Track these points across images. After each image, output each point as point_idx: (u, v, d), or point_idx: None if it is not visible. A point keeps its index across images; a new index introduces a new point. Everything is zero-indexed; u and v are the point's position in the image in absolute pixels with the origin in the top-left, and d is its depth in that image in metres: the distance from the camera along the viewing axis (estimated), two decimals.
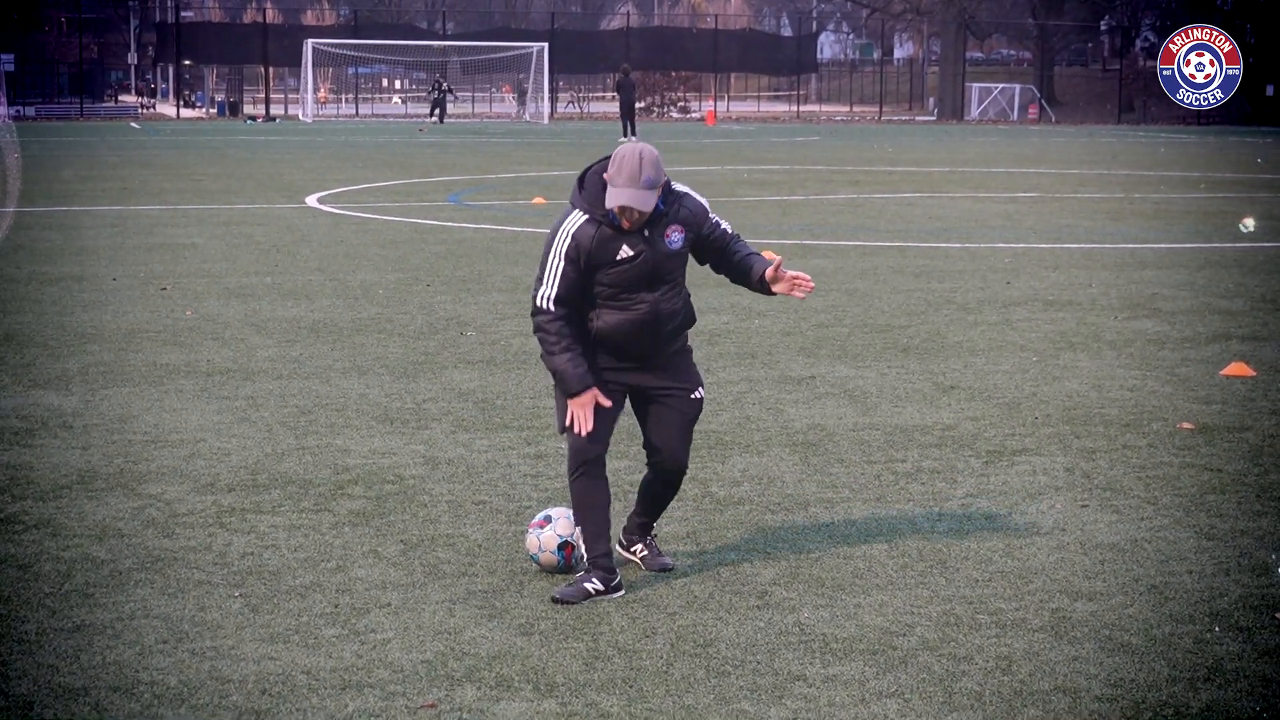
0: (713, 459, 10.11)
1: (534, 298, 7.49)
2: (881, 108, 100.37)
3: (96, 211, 27.43)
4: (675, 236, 7.55)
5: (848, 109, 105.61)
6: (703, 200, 7.75)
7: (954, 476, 9.74)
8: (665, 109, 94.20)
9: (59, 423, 10.99)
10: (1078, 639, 6.92)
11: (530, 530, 7.87)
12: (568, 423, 7.52)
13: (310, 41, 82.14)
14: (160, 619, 7.12)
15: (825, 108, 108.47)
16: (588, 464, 7.51)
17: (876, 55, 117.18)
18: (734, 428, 11.00)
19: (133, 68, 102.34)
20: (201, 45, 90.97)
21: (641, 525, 8.00)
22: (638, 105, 69.21)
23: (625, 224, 7.39)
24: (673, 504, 9.01)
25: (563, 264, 7.40)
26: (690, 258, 7.77)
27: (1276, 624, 7.11)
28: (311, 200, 30.28)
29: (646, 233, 7.45)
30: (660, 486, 7.91)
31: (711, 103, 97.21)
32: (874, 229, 25.55)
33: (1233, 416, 11.44)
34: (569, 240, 7.41)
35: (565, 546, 7.76)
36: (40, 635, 6.88)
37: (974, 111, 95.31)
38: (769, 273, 7.81)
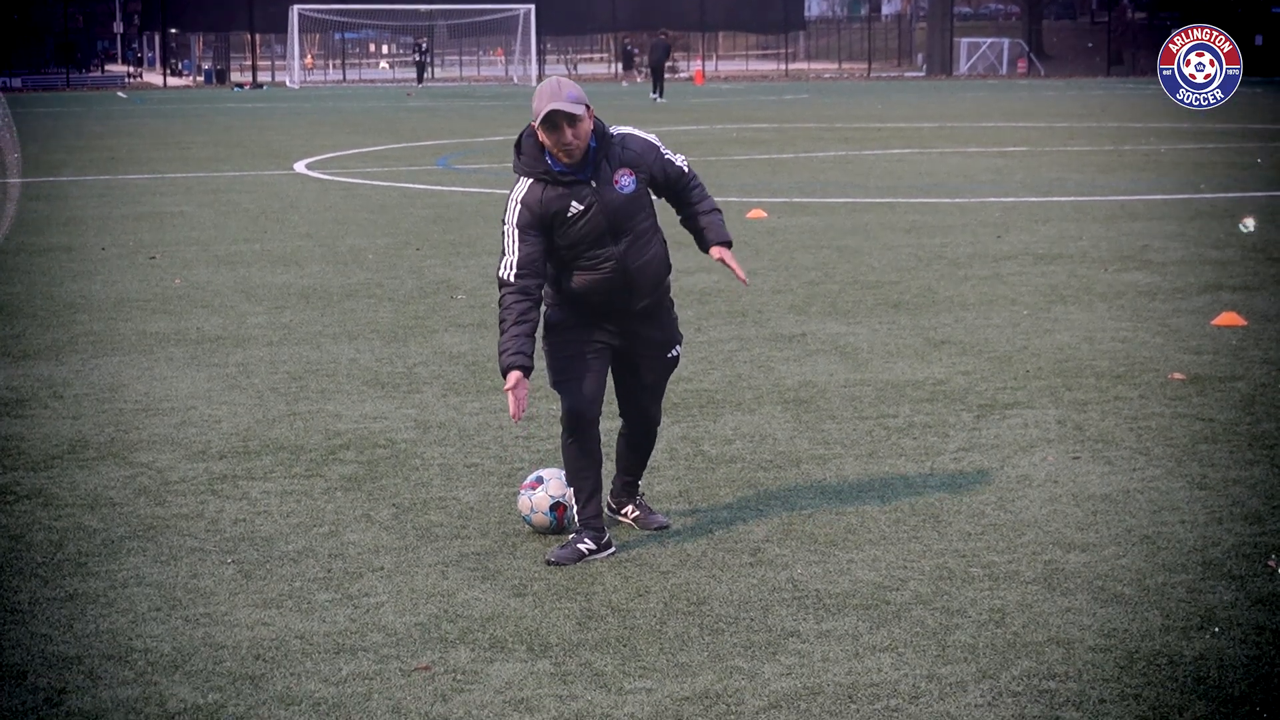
0: (704, 417, 10.11)
1: (497, 271, 7.40)
2: (870, 64, 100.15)
3: (84, 181, 27.36)
4: (625, 180, 7.44)
5: (836, 66, 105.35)
6: (649, 137, 7.66)
7: (946, 431, 9.74)
8: (639, 68, 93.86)
9: (49, 393, 10.98)
10: (1070, 590, 6.92)
11: (522, 492, 7.87)
12: (554, 381, 7.51)
13: (296, 7, 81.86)
14: (153, 586, 7.11)
15: (814, 65, 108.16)
16: (580, 425, 7.45)
17: (864, 11, 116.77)
18: (725, 386, 10.99)
19: (119, 36, 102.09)
20: (188, 13, 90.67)
21: (626, 485, 7.98)
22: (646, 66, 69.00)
23: (563, 157, 7.26)
24: (665, 462, 9.02)
25: (517, 233, 7.30)
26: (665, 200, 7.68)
27: (1269, 572, 7.12)
28: (300, 166, 30.22)
29: (594, 184, 7.35)
30: (635, 440, 7.89)
31: (699, 62, 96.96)
32: (864, 186, 25.51)
33: (1224, 366, 11.44)
34: (519, 207, 7.32)
35: (557, 507, 7.77)
36: (33, 604, 6.88)
37: (963, 66, 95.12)
38: (713, 254, 7.72)
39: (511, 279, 7.30)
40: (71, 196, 24.79)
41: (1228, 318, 13.02)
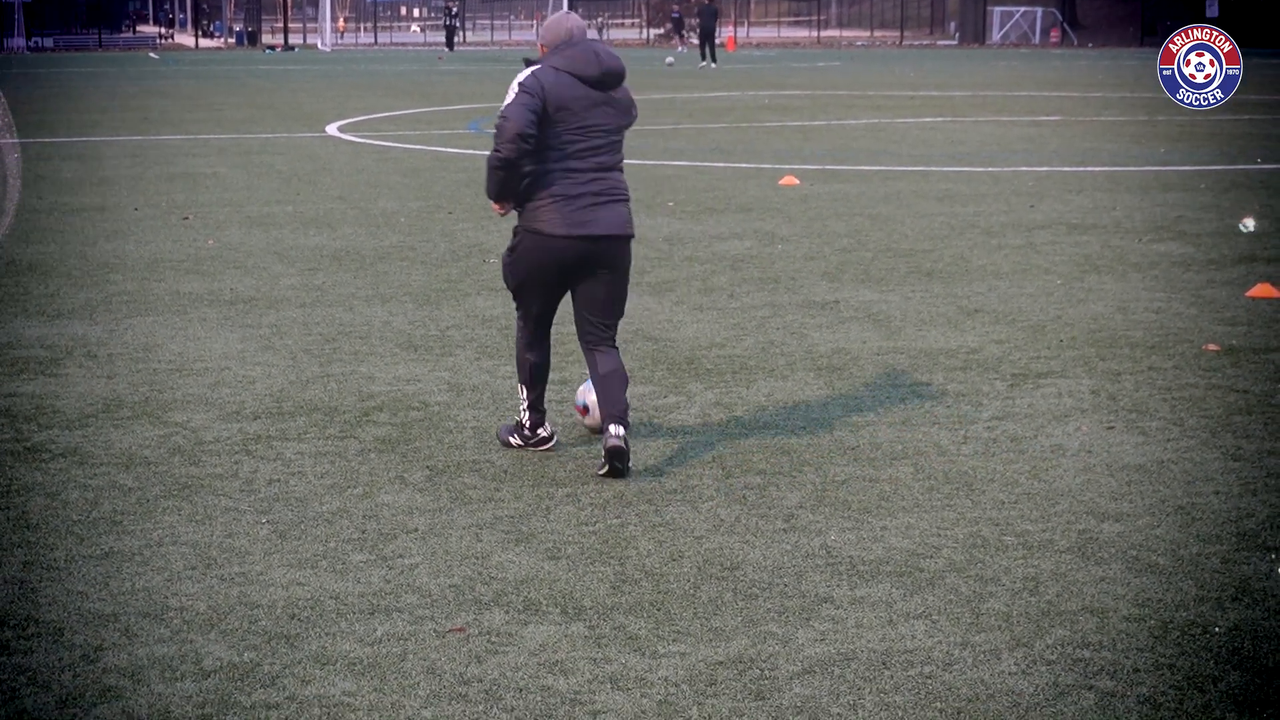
0: (737, 383, 10.11)
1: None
2: (902, 32, 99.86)
3: (117, 142, 27.42)
4: None
5: (868, 34, 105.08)
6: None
7: (979, 399, 9.73)
8: (686, 34, 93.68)
9: (84, 352, 11.01)
10: (1104, 560, 6.92)
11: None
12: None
13: None
14: (188, 545, 7.14)
15: (845, 33, 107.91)
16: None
17: None
18: (758, 352, 10.98)
19: None
20: None
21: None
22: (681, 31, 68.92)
23: None
24: (698, 428, 9.04)
25: None
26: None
27: None
28: (332, 129, 30.24)
29: None
30: None
31: (732, 28, 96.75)
32: (896, 154, 25.45)
33: (1258, 338, 11.41)
34: None
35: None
36: (69, 562, 6.91)
37: (995, 35, 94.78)
38: None
39: None
40: (105, 157, 24.84)
41: (1262, 289, 12.98)
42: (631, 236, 8.33)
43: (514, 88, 8.09)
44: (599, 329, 8.36)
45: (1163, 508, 7.62)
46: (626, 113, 8.30)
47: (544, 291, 8.38)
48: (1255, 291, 12.97)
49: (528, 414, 8.58)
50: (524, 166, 8.10)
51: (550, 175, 8.15)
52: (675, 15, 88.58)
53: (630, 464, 8.21)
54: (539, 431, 8.62)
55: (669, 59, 62.32)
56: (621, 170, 8.32)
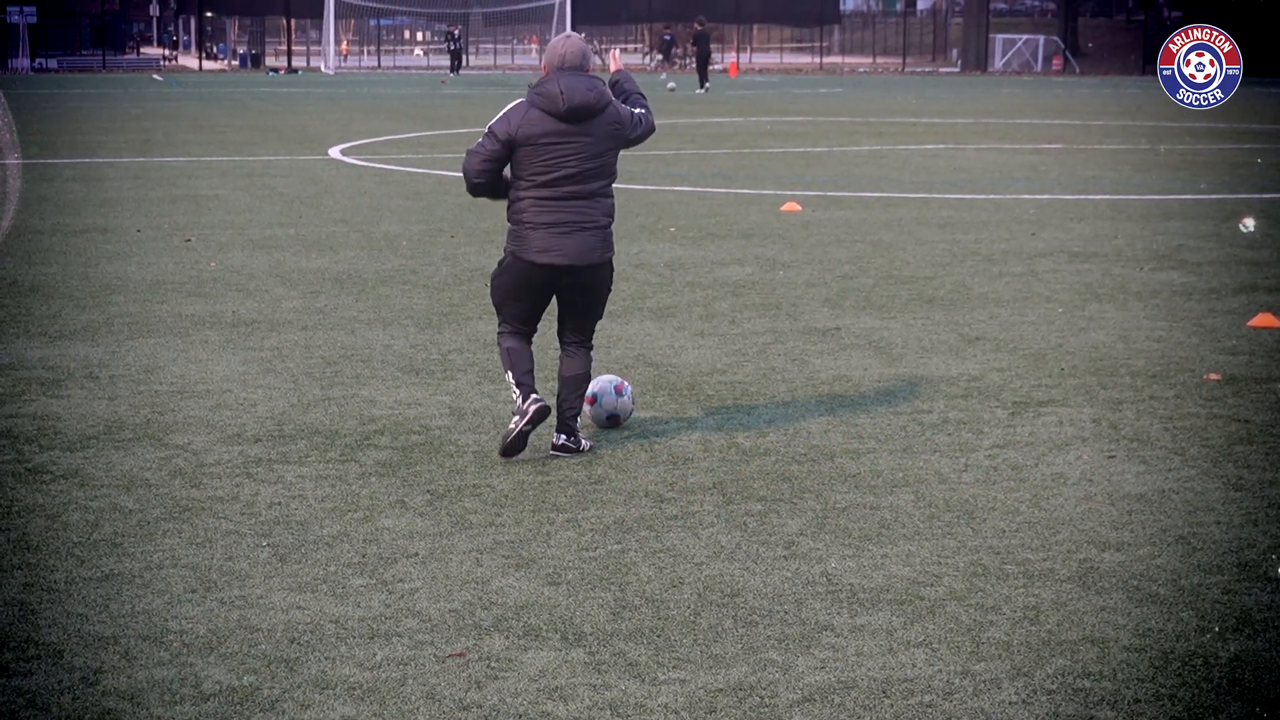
0: (738, 409, 10.11)
1: (648, 117, 9.12)
2: (905, 59, 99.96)
3: (120, 163, 27.45)
4: None
5: (870, 60, 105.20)
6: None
7: (980, 427, 9.73)
8: (687, 60, 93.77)
9: (85, 373, 11.02)
10: (1105, 589, 6.91)
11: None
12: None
13: None
14: (188, 568, 7.14)
15: (848, 59, 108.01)
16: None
17: (900, 6, 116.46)
18: (759, 378, 10.99)
19: (155, 20, 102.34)
20: None
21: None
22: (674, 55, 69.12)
23: None
24: (698, 454, 9.06)
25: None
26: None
27: None
28: (334, 152, 30.27)
29: None
30: None
31: (734, 54, 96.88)
32: (898, 180, 25.47)
33: (1260, 367, 11.41)
34: None
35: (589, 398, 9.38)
36: (69, 584, 6.91)
37: (998, 63, 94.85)
38: None
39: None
40: (107, 178, 24.87)
41: (1264, 319, 12.98)
42: (597, 265, 8.83)
43: (492, 120, 8.83)
44: (572, 334, 9.13)
45: (1164, 537, 7.62)
46: (609, 139, 8.76)
47: (523, 307, 9.04)
48: (1256, 321, 12.97)
49: (517, 392, 8.91)
50: (489, 189, 9.00)
51: (523, 202, 8.81)
52: (667, 38, 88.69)
53: (574, 450, 9.05)
54: (530, 406, 8.86)
55: (670, 84, 62.41)
56: (601, 196, 8.81)
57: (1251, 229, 16.06)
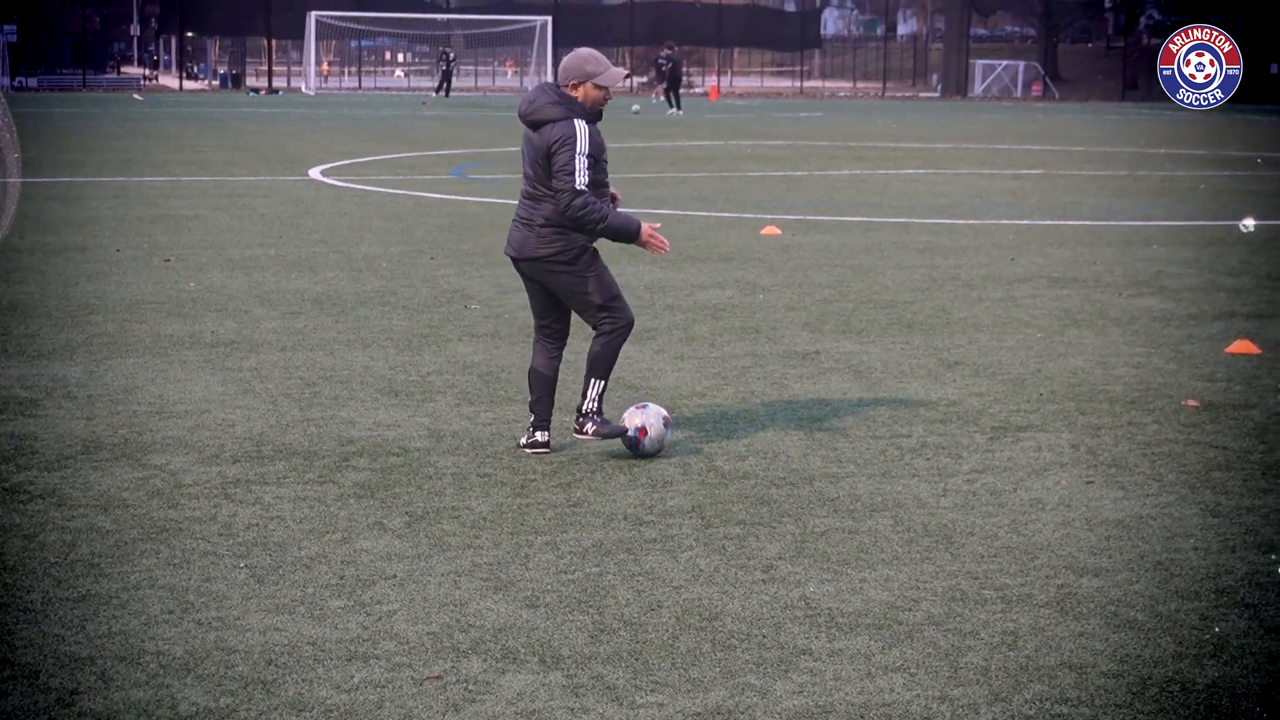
0: (718, 433, 10.11)
1: (571, 186, 9.12)
2: (885, 84, 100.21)
3: (100, 183, 27.40)
4: None
5: (851, 85, 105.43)
6: None
7: (959, 452, 9.74)
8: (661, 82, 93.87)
9: (63, 393, 10.99)
10: (1083, 615, 6.92)
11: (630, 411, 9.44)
12: (607, 300, 9.38)
13: (314, 14, 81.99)
14: (166, 589, 7.11)
15: (828, 84, 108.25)
16: (629, 329, 9.47)
17: (880, 31, 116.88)
18: (738, 402, 10.99)
19: (135, 39, 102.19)
20: (204, 17, 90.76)
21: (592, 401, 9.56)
22: (643, 80, 69.46)
23: (599, 106, 9.36)
24: (677, 477, 9.06)
25: (587, 160, 9.15)
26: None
27: None
28: (315, 173, 30.25)
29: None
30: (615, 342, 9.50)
31: (715, 78, 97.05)
32: (878, 205, 25.52)
33: (1238, 394, 11.43)
34: (588, 140, 9.16)
35: (640, 430, 9.39)
36: (46, 604, 6.88)
37: (978, 88, 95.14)
38: None
39: (586, 188, 9.16)
40: (87, 197, 24.83)
41: (1242, 345, 13.01)
42: (532, 259, 9.36)
43: None
44: (539, 327, 9.63)
45: (1141, 563, 7.63)
46: (541, 153, 9.26)
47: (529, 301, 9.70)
48: (1234, 348, 13.00)
49: (531, 416, 9.60)
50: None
51: None
52: (661, 63, 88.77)
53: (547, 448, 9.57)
54: (535, 436, 9.54)
55: (635, 107, 62.80)
56: (540, 199, 9.30)
57: (1251, 229, 16.06)
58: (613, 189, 9.53)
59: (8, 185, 11.46)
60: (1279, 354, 12.90)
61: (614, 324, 9.41)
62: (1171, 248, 20.09)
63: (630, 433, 9.38)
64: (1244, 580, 7.38)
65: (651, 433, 9.38)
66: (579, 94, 9.29)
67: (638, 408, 9.49)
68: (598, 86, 9.30)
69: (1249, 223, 16.15)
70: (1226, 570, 7.53)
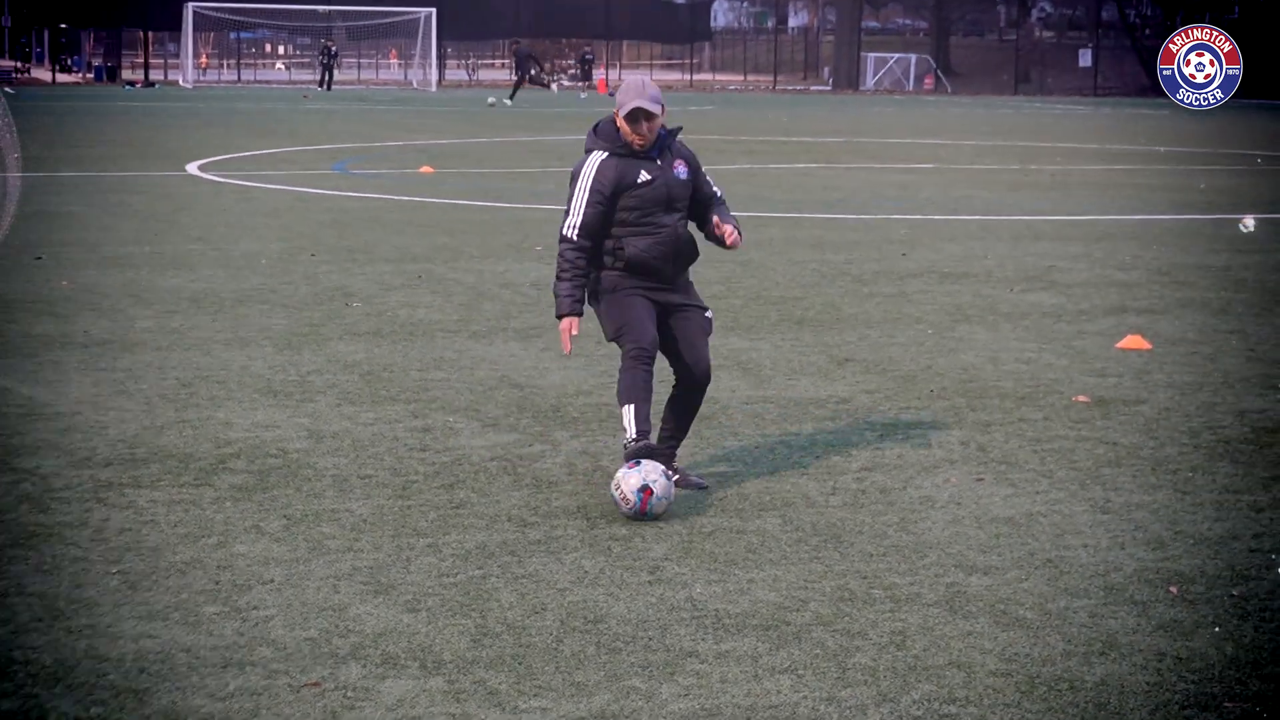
0: (603, 432, 9.99)
1: (561, 228, 8.56)
2: (776, 77, 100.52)
3: None
4: (681, 169, 8.76)
5: (742, 78, 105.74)
6: (690, 150, 8.97)
7: (849, 450, 9.66)
8: (555, 77, 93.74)
9: None
10: (972, 613, 6.85)
11: (621, 471, 8.24)
12: (615, 332, 8.62)
13: (191, 5, 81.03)
14: (35, 596, 6.91)
15: (719, 76, 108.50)
16: (644, 357, 8.47)
17: (771, 24, 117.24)
18: None
19: (5, 30, 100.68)
20: (78, 8, 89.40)
21: (668, 451, 8.71)
22: (527, 74, 69.91)
23: (637, 141, 8.55)
24: (562, 478, 8.93)
25: (588, 196, 8.53)
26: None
27: (1170, 598, 7.07)
28: (192, 168, 29.87)
29: (659, 162, 8.64)
30: (691, 397, 8.81)
31: (603, 71, 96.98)
32: (769, 199, 25.50)
33: (1128, 390, 11.43)
34: (595, 175, 8.54)
35: (645, 490, 8.11)
36: None
37: (869, 81, 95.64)
38: (714, 221, 8.92)
39: (574, 237, 8.55)
40: None
41: (1133, 341, 13.03)
42: None
43: None
44: None
45: (1031, 561, 7.57)
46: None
47: None
48: (1126, 343, 13.02)
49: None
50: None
51: None
52: (586, 56, 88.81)
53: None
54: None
55: (490, 99, 63.55)
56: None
57: (1251, 228, 16.10)
58: (724, 225, 8.82)
59: (8, 185, 11.18)
60: (1169, 350, 12.93)
61: (623, 355, 8.57)
62: (1063, 242, 20.18)
63: (633, 503, 8.17)
64: (1133, 577, 7.34)
65: (657, 490, 8.16)
66: (621, 125, 8.63)
67: (629, 467, 8.30)
68: (622, 119, 8.60)
69: (1249, 222, 16.19)
70: (1115, 567, 7.48)
